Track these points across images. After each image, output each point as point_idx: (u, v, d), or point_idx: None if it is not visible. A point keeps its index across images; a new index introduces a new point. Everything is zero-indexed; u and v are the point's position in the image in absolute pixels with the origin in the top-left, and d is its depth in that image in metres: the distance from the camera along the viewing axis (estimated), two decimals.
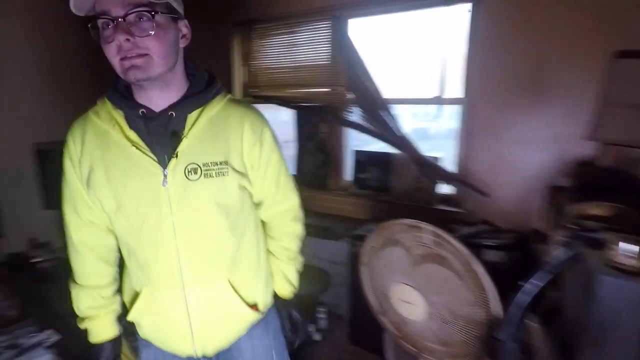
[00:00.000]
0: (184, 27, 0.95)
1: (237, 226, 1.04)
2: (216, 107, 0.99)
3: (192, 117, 0.96)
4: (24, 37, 3.09)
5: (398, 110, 2.47)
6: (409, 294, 1.40)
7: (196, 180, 0.94)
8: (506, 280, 1.17)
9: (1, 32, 2.96)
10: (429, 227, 1.26)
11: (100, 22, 0.84)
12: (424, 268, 1.36)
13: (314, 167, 3.02)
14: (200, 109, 0.97)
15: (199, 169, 0.94)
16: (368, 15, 2.62)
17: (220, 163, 0.96)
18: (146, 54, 0.85)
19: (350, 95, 2.66)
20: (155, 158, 0.94)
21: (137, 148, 0.93)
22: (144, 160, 0.93)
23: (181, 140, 0.94)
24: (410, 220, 1.30)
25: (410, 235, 1.38)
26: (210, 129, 0.97)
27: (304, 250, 1.33)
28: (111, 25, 0.82)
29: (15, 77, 3.16)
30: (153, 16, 0.83)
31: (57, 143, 3.46)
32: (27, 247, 3.43)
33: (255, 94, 3.20)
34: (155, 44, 0.85)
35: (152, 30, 0.84)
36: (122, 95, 0.96)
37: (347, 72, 2.56)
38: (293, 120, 3.03)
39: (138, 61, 0.84)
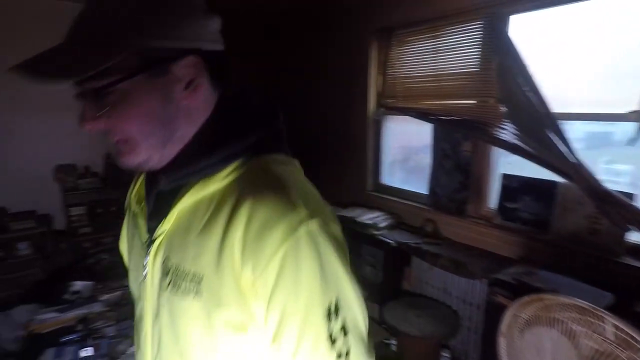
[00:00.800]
0: (183, 69, 0.58)
1: None
2: (219, 183, 0.61)
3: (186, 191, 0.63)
4: None
5: (571, 128, 1.91)
6: None
7: (166, 286, 0.62)
8: None
9: None
10: (617, 322, 0.84)
11: None
12: None
13: (451, 189, 2.63)
14: (201, 181, 0.61)
15: (170, 272, 0.62)
16: (536, 9, 2.11)
17: (193, 276, 0.59)
18: (126, 138, 0.59)
19: (503, 109, 2.20)
20: (146, 235, 0.69)
21: (134, 214, 0.73)
22: (139, 233, 0.72)
23: (165, 217, 0.63)
24: (585, 303, 0.90)
25: (580, 318, 0.97)
26: (194, 216, 0.61)
27: None
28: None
29: None
30: (104, 88, 0.54)
31: None
32: None
33: (391, 105, 2.99)
34: (124, 122, 0.57)
35: (107, 106, 0.56)
36: None
37: (503, 81, 2.12)
38: (431, 134, 2.70)
39: (121, 147, 0.61)
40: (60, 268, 3.17)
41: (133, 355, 1.81)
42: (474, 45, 2.31)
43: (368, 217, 2.91)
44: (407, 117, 2.89)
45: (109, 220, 3.45)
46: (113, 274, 2.97)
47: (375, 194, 3.20)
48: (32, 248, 3.14)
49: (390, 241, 2.64)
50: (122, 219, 0.85)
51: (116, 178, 3.42)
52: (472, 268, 2.29)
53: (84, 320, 2.12)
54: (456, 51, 2.42)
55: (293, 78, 4.07)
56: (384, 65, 2.98)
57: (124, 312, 2.18)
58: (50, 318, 2.12)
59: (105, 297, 2.37)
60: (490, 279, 2.04)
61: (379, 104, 3.07)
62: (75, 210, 3.33)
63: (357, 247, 2.93)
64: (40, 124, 3.24)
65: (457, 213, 2.58)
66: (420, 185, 2.88)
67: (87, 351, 1.65)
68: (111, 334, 1.98)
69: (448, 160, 2.65)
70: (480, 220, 2.47)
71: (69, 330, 2.03)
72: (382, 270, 2.76)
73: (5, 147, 3.15)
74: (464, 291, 2.39)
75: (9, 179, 3.18)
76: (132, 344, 1.90)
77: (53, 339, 1.95)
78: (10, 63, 0.51)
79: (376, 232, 2.76)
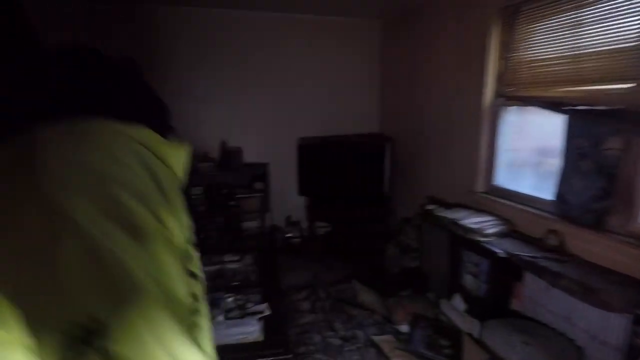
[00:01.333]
0: None
1: None
2: None
3: None
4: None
5: None
6: None
7: None
8: None
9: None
10: None
11: None
12: None
13: (587, 196, 2.12)
14: None
15: None
16: None
17: None
18: None
19: None
20: None
21: None
22: None
23: None
24: None
25: None
26: None
27: None
28: None
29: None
30: None
31: (313, 139, 3.88)
32: (284, 223, 4.18)
33: (512, 94, 2.57)
34: None
35: None
36: None
37: None
38: (563, 128, 2.23)
39: None
40: None
41: (219, 322, 1.91)
42: (632, 12, 1.80)
43: (474, 220, 2.56)
44: (531, 107, 2.44)
45: (220, 201, 3.81)
46: (219, 250, 3.25)
47: (486, 195, 2.81)
48: None
49: (499, 251, 2.27)
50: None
51: (227, 164, 3.74)
52: (608, 297, 1.80)
53: None
54: (606, 22, 1.93)
55: (396, 66, 3.88)
56: (505, 48, 2.57)
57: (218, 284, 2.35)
58: None
59: (207, 268, 2.60)
60: (637, 315, 1.56)
61: (497, 93, 2.67)
62: (195, 190, 3.74)
63: (457, 252, 2.62)
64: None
65: (593, 226, 2.07)
66: (544, 190, 2.41)
67: None
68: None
69: (585, 160, 2.14)
70: (628, 238, 1.93)
71: None
72: (486, 282, 2.40)
73: None
74: (596, 325, 1.90)
75: None
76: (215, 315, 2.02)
77: None
78: None
79: (482, 239, 2.41)
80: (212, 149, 3.85)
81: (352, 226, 3.77)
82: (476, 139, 2.85)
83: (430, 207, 2.97)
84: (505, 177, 2.79)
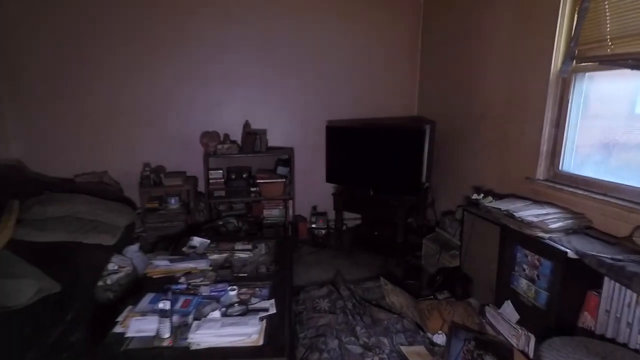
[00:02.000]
0: None
1: None
2: None
3: None
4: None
5: None
6: None
7: None
8: None
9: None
10: None
11: None
12: None
13: None
14: None
15: None
16: None
17: None
18: None
19: None
20: None
21: None
22: None
23: None
24: None
25: None
26: None
27: None
28: None
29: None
30: None
31: (343, 121, 3.46)
32: (309, 213, 3.83)
33: (593, 55, 2.04)
34: None
35: None
36: None
37: None
38: None
39: None
40: (196, 224, 3.38)
41: (214, 320, 1.60)
42: None
43: (533, 213, 2.07)
44: (616, 71, 1.91)
45: (240, 186, 3.54)
46: (233, 237, 2.97)
47: (549, 183, 2.29)
48: (180, 203, 3.44)
49: (568, 249, 1.78)
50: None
51: (249, 147, 3.46)
52: None
53: (188, 274, 2.07)
54: None
55: (441, 36, 3.39)
56: None
57: (222, 274, 2.05)
58: (162, 265, 2.15)
59: (214, 257, 2.31)
60: None
61: (569, 56, 2.14)
62: (214, 174, 3.50)
63: (510, 250, 2.14)
64: (196, 93, 3.54)
65: None
66: (633, 176, 1.88)
67: (165, 304, 1.50)
68: (204, 294, 1.85)
69: None
70: None
71: (173, 280, 2.00)
72: (548, 288, 1.91)
73: (165, 113, 3.53)
74: None
75: (169, 141, 3.58)
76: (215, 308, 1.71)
77: (157, 285, 1.94)
78: None
79: (543, 235, 1.92)
80: (234, 131, 3.58)
81: (384, 218, 3.35)
82: (538, 116, 2.34)
83: (476, 197, 2.50)
84: (576, 161, 2.25)
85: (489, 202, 2.39)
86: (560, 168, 2.30)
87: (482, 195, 2.49)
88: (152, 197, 3.41)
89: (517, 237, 2.09)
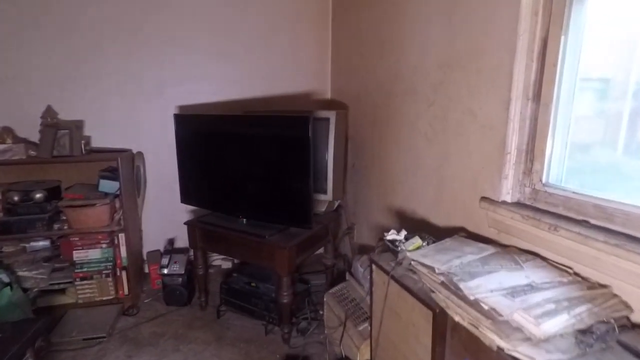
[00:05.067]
0: None
1: None
2: None
3: None
4: None
5: None
6: None
7: None
8: None
9: None
10: None
11: None
12: None
13: None
14: None
15: None
16: None
17: None
18: None
19: None
20: None
21: None
22: None
23: None
24: None
25: None
26: None
27: None
28: None
29: None
30: None
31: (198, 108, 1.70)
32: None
33: None
34: None
35: None
36: None
37: None
38: None
39: None
40: None
41: None
42: None
43: (497, 280, 0.92)
44: None
45: (33, 215, 2.14)
46: None
47: (526, 211, 1.15)
48: None
49: None
50: None
51: (50, 147, 2.08)
52: None
53: None
54: None
55: None
56: None
57: None
58: None
59: None
60: None
61: None
62: None
63: None
64: None
65: None
66: None
67: None
68: None
69: None
70: None
71: None
72: None
73: None
74: None
75: None
76: None
77: None
78: None
79: (526, 353, 0.75)
80: (24, 122, 2.19)
81: (264, 262, 2.07)
82: (502, 82, 1.22)
83: (393, 236, 1.32)
84: (577, 167, 1.14)
85: (413, 249, 1.23)
86: (544, 179, 1.18)
87: (403, 234, 1.32)
88: None
89: (466, 340, 0.92)
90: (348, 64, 2.49)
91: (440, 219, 1.61)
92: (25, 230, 2.12)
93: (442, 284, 1.03)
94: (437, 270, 1.06)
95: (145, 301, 2.36)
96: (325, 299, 1.95)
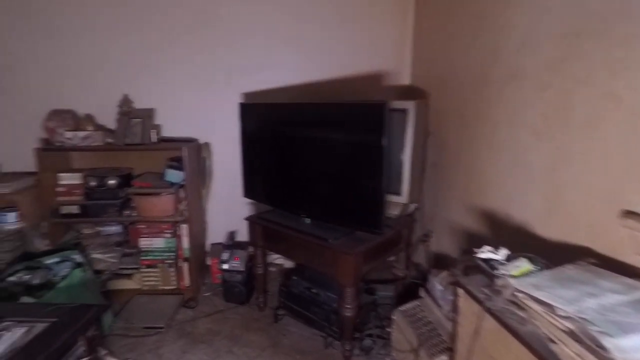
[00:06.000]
0: None
1: None
2: None
3: None
4: None
5: None
6: None
7: None
8: None
9: None
10: None
11: None
12: None
13: None
14: None
15: None
16: None
17: None
18: None
19: None
20: None
21: None
22: None
23: None
24: None
25: None
26: None
27: None
28: None
29: None
30: None
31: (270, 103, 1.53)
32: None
33: None
34: None
35: None
36: None
37: None
38: None
39: None
40: (29, 255, 2.06)
41: None
42: None
43: None
44: None
45: (106, 200, 2.19)
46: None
47: None
48: (20, 221, 2.15)
49: None
50: None
51: (122, 134, 2.11)
52: None
53: None
54: None
55: None
56: None
57: None
58: None
59: None
60: None
61: None
62: (66, 179, 2.19)
63: None
64: None
65: None
66: None
67: None
68: None
69: None
70: None
71: None
72: None
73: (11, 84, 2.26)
74: None
75: None
76: None
77: None
78: None
79: None
80: (105, 111, 2.26)
81: (327, 267, 1.86)
82: None
83: (489, 253, 1.02)
84: None
85: (519, 274, 0.92)
86: None
87: (504, 253, 1.01)
88: None
89: None
90: (432, 45, 2.17)
91: (549, 232, 1.26)
92: (99, 214, 2.18)
93: (571, 333, 0.72)
94: (561, 312, 0.75)
95: (206, 294, 2.31)
96: (394, 317, 1.68)
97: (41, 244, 2.19)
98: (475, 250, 1.09)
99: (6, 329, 1.17)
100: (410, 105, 1.76)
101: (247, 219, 2.06)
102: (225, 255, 2.23)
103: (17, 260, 1.94)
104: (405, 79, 2.45)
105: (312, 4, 2.33)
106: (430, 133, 2.07)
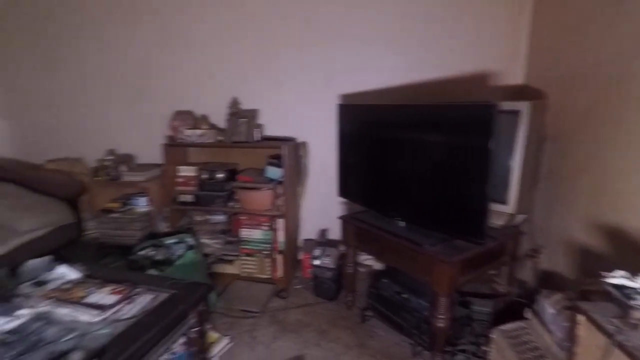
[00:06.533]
0: None
1: None
2: None
3: None
4: None
5: None
6: None
7: None
8: None
9: None
10: None
11: None
12: None
13: None
14: None
15: None
16: None
17: None
18: None
19: None
20: None
21: None
22: None
23: None
24: None
25: None
26: None
27: None
28: None
29: None
30: None
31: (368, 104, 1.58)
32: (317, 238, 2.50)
33: None
34: None
35: None
36: None
37: None
38: None
39: None
40: (155, 234, 2.41)
41: None
42: None
43: None
44: None
45: (214, 192, 2.43)
46: (129, 276, 1.89)
47: None
48: (149, 206, 2.53)
49: None
50: None
51: (231, 133, 2.32)
52: None
53: None
54: None
55: None
56: None
57: None
58: None
59: (24, 311, 1.25)
60: None
61: None
62: (184, 171, 2.49)
63: None
64: None
65: None
66: None
67: None
68: None
69: None
70: None
71: None
72: None
73: (143, 89, 2.66)
74: None
75: None
76: None
77: None
78: None
79: None
80: (217, 111, 2.51)
81: (419, 272, 1.77)
82: None
83: (622, 279, 0.87)
84: None
85: None
86: None
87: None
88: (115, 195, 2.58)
89: None
90: (555, 39, 1.94)
91: None
92: (209, 204, 2.44)
93: None
94: None
95: (296, 287, 2.42)
96: (493, 335, 1.55)
97: (163, 226, 2.54)
98: (604, 274, 0.94)
99: (139, 294, 1.38)
100: (523, 107, 1.60)
101: (340, 218, 2.10)
102: (317, 252, 2.31)
103: (146, 238, 2.27)
104: (517, 78, 2.23)
105: (414, 2, 2.26)
106: (547, 138, 1.85)
